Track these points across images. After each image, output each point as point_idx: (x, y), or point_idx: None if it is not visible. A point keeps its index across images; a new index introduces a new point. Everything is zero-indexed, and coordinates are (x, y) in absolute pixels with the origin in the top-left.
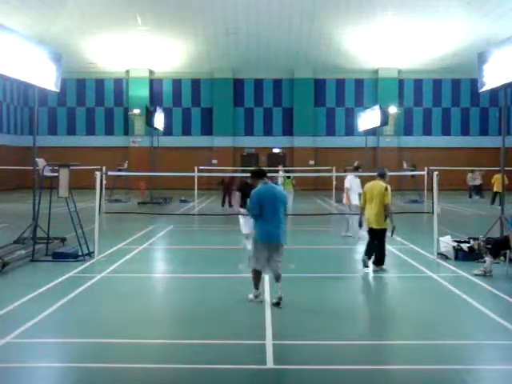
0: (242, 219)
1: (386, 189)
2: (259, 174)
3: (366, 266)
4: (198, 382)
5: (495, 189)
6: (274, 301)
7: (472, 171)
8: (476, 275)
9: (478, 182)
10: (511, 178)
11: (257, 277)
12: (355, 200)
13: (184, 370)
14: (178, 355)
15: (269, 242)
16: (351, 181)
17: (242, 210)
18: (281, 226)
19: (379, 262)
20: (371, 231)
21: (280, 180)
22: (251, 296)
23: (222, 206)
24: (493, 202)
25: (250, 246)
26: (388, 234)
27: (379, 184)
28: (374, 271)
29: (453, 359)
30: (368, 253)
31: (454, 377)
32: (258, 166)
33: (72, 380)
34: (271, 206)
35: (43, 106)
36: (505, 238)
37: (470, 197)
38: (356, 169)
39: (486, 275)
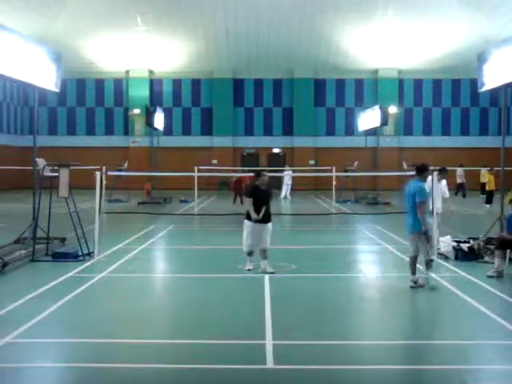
0: (245, 232)
1: None
2: (258, 174)
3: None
4: (198, 382)
5: (489, 187)
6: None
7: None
8: (489, 277)
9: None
10: (496, 176)
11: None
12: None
13: (184, 370)
14: (178, 355)
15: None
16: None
17: (255, 216)
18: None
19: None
20: None
21: (290, 180)
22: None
23: (234, 202)
24: (489, 201)
25: (265, 266)
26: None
27: None
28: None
29: (453, 359)
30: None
31: (454, 377)
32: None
33: (72, 380)
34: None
35: (43, 106)
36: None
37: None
38: (442, 171)
39: (498, 276)
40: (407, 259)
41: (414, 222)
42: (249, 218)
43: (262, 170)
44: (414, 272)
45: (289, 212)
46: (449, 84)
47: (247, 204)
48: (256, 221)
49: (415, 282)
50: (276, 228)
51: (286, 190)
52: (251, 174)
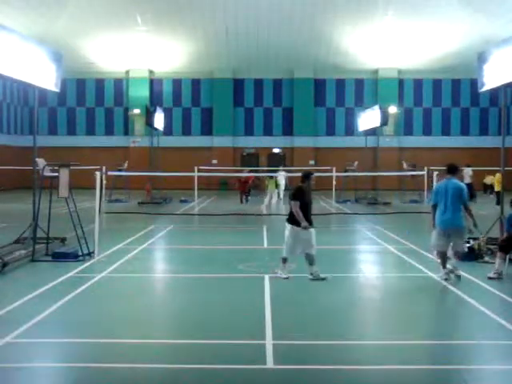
0: (290, 238)
1: None
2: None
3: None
4: (198, 382)
5: (497, 188)
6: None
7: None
8: (490, 278)
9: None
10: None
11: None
12: None
13: (184, 370)
14: (178, 355)
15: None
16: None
17: (305, 224)
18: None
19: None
20: None
21: (283, 180)
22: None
23: (241, 202)
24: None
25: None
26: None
27: None
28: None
29: (453, 359)
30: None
31: (455, 377)
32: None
33: (72, 380)
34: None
35: (43, 106)
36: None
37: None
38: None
39: (499, 278)
40: (406, 258)
41: (454, 218)
42: (293, 222)
43: (310, 172)
44: (444, 266)
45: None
46: (449, 84)
47: (295, 208)
48: (305, 227)
49: (448, 274)
50: (276, 228)
51: (279, 190)
52: (255, 175)
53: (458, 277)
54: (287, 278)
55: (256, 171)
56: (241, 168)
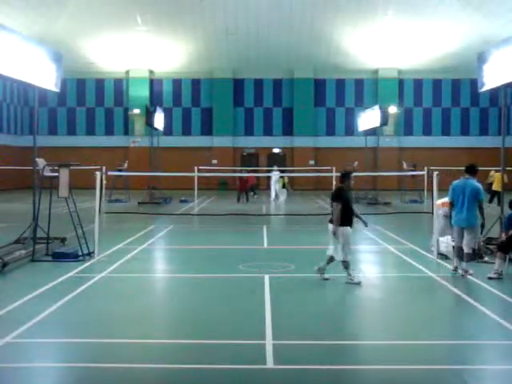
0: (349, 239)
1: None
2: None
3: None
4: (198, 382)
5: (494, 187)
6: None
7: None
8: (490, 279)
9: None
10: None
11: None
12: None
13: (184, 370)
14: (178, 355)
15: None
16: None
17: (342, 229)
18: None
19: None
20: None
21: (274, 180)
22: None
23: (238, 201)
24: (491, 200)
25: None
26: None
27: None
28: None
29: (453, 359)
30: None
31: (455, 377)
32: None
33: (72, 380)
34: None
35: (43, 106)
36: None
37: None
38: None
39: (499, 277)
40: (406, 258)
41: (468, 217)
42: (345, 223)
43: (349, 171)
44: (461, 260)
45: (289, 212)
46: (449, 84)
47: (337, 210)
48: (334, 232)
49: (466, 272)
50: (276, 228)
51: (274, 191)
52: (255, 175)
53: (465, 275)
54: (360, 282)
55: (256, 171)
56: (240, 168)
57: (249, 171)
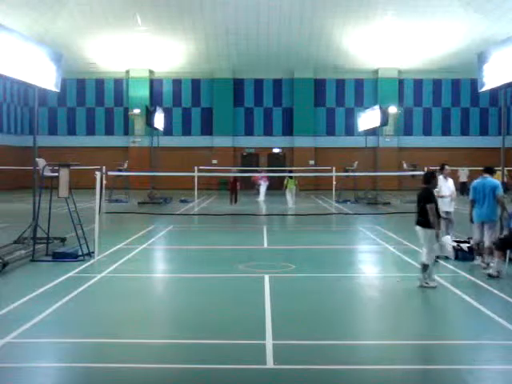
0: (434, 242)
1: None
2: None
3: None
4: (198, 382)
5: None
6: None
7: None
8: (489, 276)
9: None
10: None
11: None
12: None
13: (184, 370)
14: (178, 355)
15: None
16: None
17: (437, 231)
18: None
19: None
20: None
21: (263, 182)
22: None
23: (231, 203)
24: None
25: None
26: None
27: None
28: None
29: (453, 359)
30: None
31: (455, 377)
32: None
33: (72, 380)
34: None
35: (43, 106)
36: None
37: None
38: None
39: (498, 276)
40: (406, 258)
41: (488, 212)
42: (428, 225)
43: (433, 172)
44: (481, 255)
45: (288, 212)
46: (449, 84)
47: (432, 211)
48: (438, 236)
49: (488, 264)
50: (276, 228)
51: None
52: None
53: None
54: (436, 287)
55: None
56: (241, 168)
57: (259, 171)
